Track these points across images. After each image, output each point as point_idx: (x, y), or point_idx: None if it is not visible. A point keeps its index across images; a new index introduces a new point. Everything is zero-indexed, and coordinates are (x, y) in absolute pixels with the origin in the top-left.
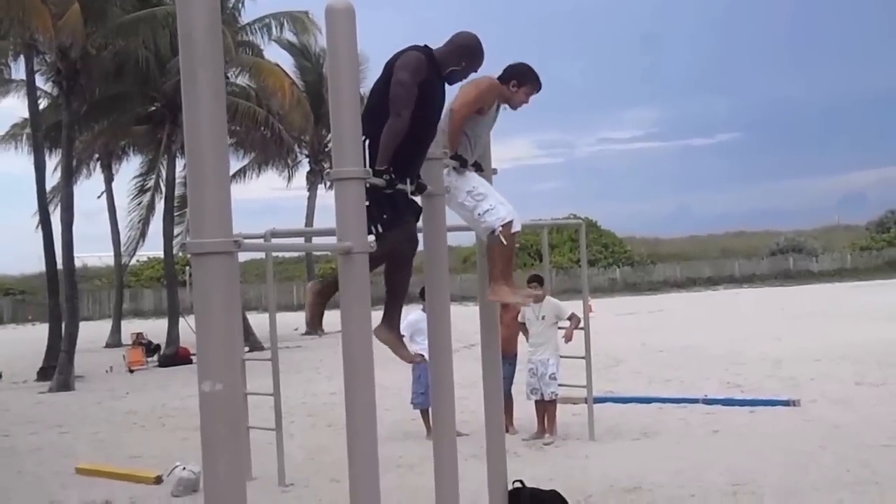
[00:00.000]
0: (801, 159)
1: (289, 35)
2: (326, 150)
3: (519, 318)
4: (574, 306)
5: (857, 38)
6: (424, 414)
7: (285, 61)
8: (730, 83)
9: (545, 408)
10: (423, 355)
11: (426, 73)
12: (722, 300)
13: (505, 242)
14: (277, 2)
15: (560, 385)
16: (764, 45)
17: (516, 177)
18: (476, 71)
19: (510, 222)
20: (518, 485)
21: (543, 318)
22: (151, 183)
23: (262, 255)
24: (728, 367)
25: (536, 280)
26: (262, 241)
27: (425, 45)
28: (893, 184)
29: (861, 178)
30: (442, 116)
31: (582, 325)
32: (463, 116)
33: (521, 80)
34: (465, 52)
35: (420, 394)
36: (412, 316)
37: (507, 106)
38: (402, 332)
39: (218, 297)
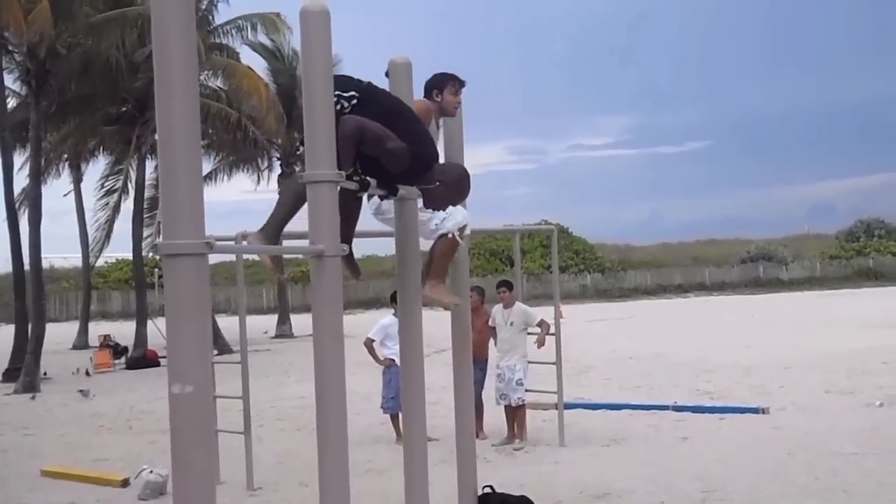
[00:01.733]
0: (771, 168)
1: (261, 37)
2: (298, 152)
3: (490, 324)
4: (545, 312)
5: (828, 49)
6: (394, 419)
7: (258, 64)
8: (701, 92)
9: (514, 413)
10: (393, 360)
11: None
12: (692, 307)
13: (461, 241)
14: (251, 4)
15: (530, 391)
16: (735, 55)
17: (488, 183)
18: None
19: (465, 225)
20: (488, 490)
21: (512, 323)
22: (119, 184)
23: (231, 257)
24: (698, 375)
25: (505, 286)
26: (233, 243)
27: None
28: (862, 194)
29: (830, 188)
30: None
31: (553, 331)
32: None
33: (439, 86)
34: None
35: (390, 398)
36: (384, 320)
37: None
38: (373, 337)
39: (189, 298)
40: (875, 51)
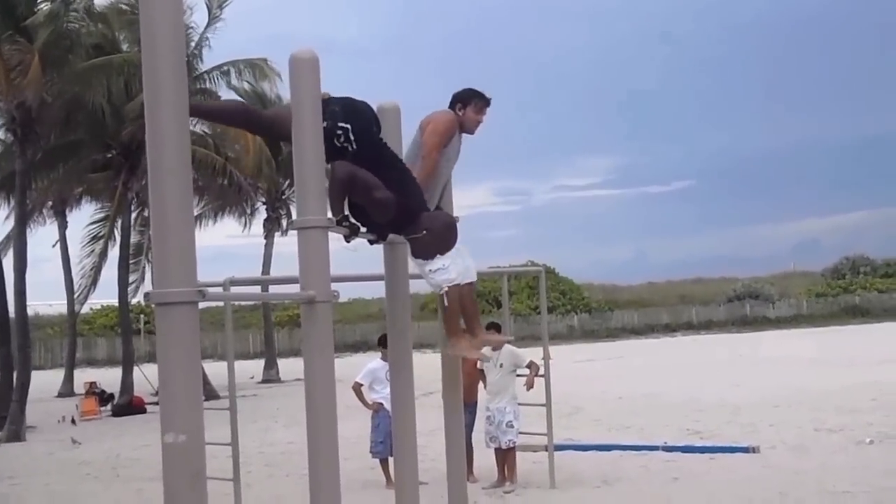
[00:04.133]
0: (755, 206)
1: (246, 84)
2: (283, 197)
3: (478, 366)
4: (533, 353)
5: (811, 88)
6: (384, 463)
7: None
8: (684, 131)
9: (504, 456)
10: (382, 404)
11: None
12: (680, 346)
13: (446, 304)
14: (236, 49)
15: (520, 433)
16: (718, 94)
17: (474, 224)
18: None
19: (456, 285)
20: None
21: (501, 365)
22: (105, 230)
23: (218, 302)
24: (687, 414)
25: (494, 328)
26: (221, 290)
27: None
28: (847, 231)
29: (815, 226)
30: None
31: (542, 372)
32: (435, 160)
33: (465, 100)
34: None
35: (379, 443)
36: (371, 364)
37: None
38: (361, 381)
39: (181, 347)
40: (858, 89)
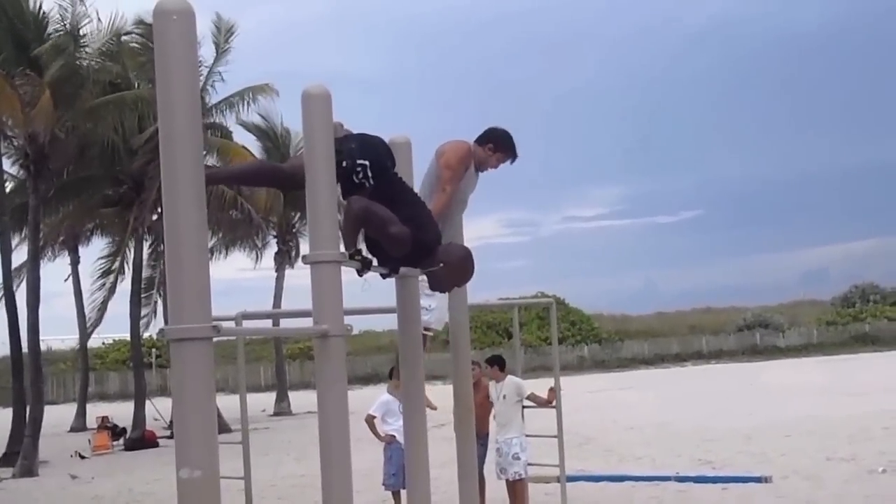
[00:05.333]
0: (763, 235)
1: (254, 116)
2: (294, 230)
3: (490, 398)
4: (543, 384)
5: (818, 115)
6: (396, 496)
7: (251, 143)
8: (692, 160)
9: (513, 487)
10: (394, 436)
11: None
12: (691, 376)
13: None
14: (244, 79)
15: (531, 464)
16: (724, 122)
17: (483, 255)
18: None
19: (426, 330)
20: None
21: (505, 396)
22: (117, 265)
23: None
24: (699, 444)
25: (497, 362)
26: (234, 324)
27: None
28: (856, 259)
29: (823, 254)
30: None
31: (554, 403)
32: (450, 194)
33: (497, 145)
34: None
35: (392, 475)
36: (384, 396)
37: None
38: (374, 413)
39: (196, 382)
40: (865, 117)
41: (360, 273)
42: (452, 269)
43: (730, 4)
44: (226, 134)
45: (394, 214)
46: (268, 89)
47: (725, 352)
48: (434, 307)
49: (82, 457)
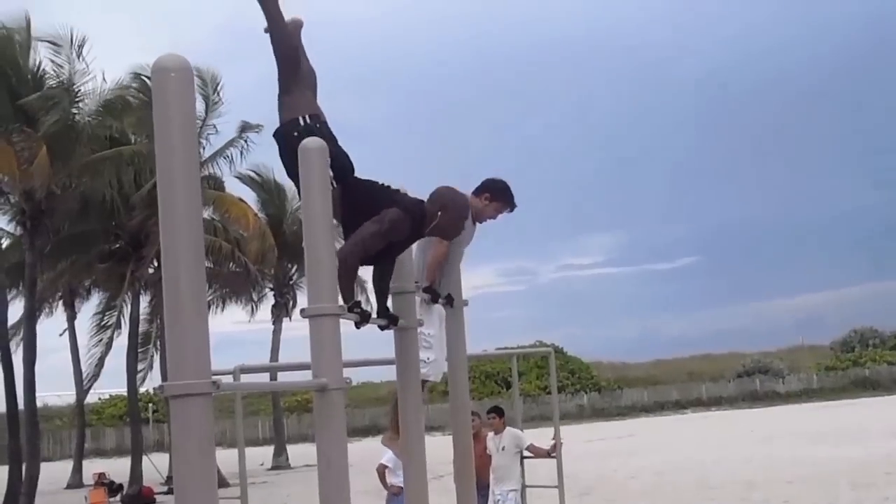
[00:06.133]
0: (760, 281)
1: (249, 165)
2: (291, 282)
3: (488, 451)
4: (542, 434)
5: (812, 159)
6: None
7: (247, 195)
8: (687, 208)
9: None
10: (402, 487)
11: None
12: (691, 423)
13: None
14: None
15: None
16: (718, 168)
17: (480, 305)
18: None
19: (423, 382)
20: None
21: (504, 448)
22: (114, 320)
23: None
24: (700, 491)
25: (495, 412)
26: (232, 378)
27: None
28: (852, 303)
29: (821, 299)
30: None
31: (554, 454)
32: (446, 245)
33: (494, 195)
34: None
35: None
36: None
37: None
38: (386, 464)
39: (196, 438)
40: (859, 159)
41: (359, 325)
42: (451, 207)
43: (722, 48)
44: (218, 185)
45: (369, 223)
46: (257, 128)
47: (725, 398)
48: (432, 359)
49: None
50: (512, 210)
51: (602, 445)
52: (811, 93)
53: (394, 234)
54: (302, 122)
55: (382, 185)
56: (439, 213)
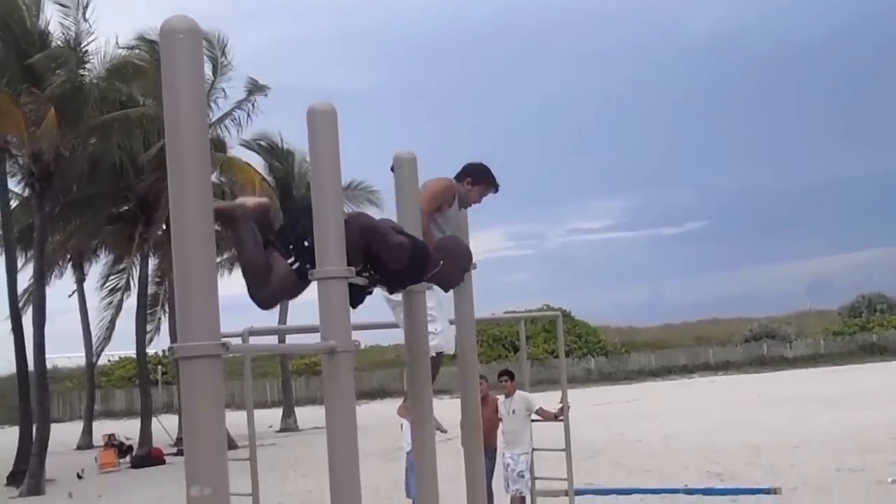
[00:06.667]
0: (768, 246)
1: (255, 129)
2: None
3: (498, 413)
4: (550, 398)
5: (824, 125)
6: None
7: (255, 161)
8: (696, 172)
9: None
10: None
11: None
12: (698, 388)
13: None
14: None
15: (539, 478)
16: (727, 133)
17: (488, 269)
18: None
19: (439, 354)
20: None
21: (514, 411)
22: (123, 282)
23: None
24: (707, 456)
25: (506, 375)
26: (241, 340)
27: None
28: (860, 268)
29: (829, 264)
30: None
31: (562, 417)
32: (427, 230)
33: (476, 178)
34: None
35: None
36: None
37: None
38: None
39: (205, 400)
40: (871, 124)
41: (368, 289)
42: (456, 257)
43: (732, 13)
44: (221, 148)
45: (392, 227)
46: (266, 88)
47: (732, 363)
48: (440, 330)
49: (80, 476)
50: (496, 191)
51: (609, 409)
52: (824, 56)
53: (391, 254)
54: None
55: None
56: (442, 263)
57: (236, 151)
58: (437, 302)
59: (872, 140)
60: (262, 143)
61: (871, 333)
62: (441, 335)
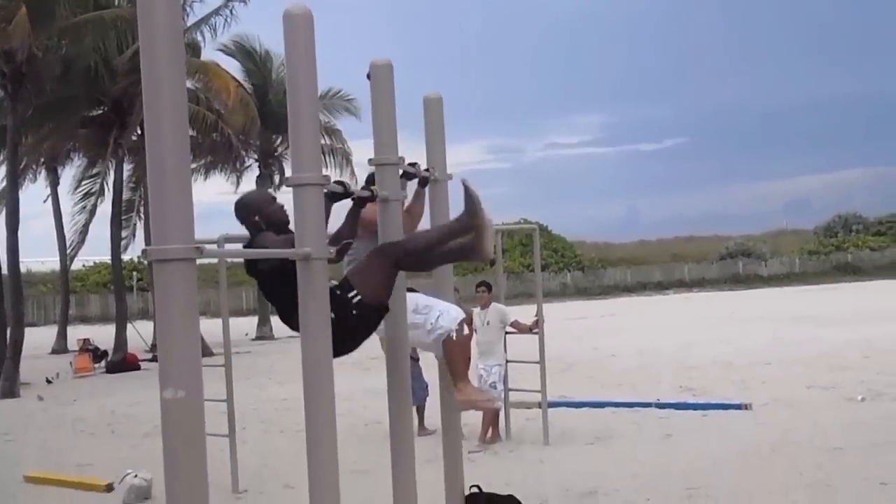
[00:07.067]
0: (747, 164)
1: (232, 35)
2: (276, 154)
3: (473, 326)
4: (526, 311)
5: (804, 43)
6: (420, 410)
7: (233, 67)
8: (675, 88)
9: (489, 415)
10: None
11: None
12: (672, 304)
13: (463, 339)
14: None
15: (513, 390)
16: (710, 50)
17: None
18: None
19: (463, 320)
20: (475, 490)
21: (489, 323)
22: (97, 187)
23: (212, 259)
24: (680, 371)
25: (484, 286)
26: (216, 247)
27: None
28: (838, 189)
29: (807, 183)
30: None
31: (536, 330)
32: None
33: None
34: None
35: (421, 389)
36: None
37: None
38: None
39: (179, 303)
40: (850, 46)
41: (337, 199)
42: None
43: None
44: (196, 53)
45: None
46: None
47: (708, 280)
48: (440, 314)
49: (49, 381)
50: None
51: (584, 324)
52: None
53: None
54: None
55: None
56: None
57: (214, 57)
58: (420, 297)
59: (853, 59)
60: (240, 44)
61: (845, 253)
62: (450, 311)
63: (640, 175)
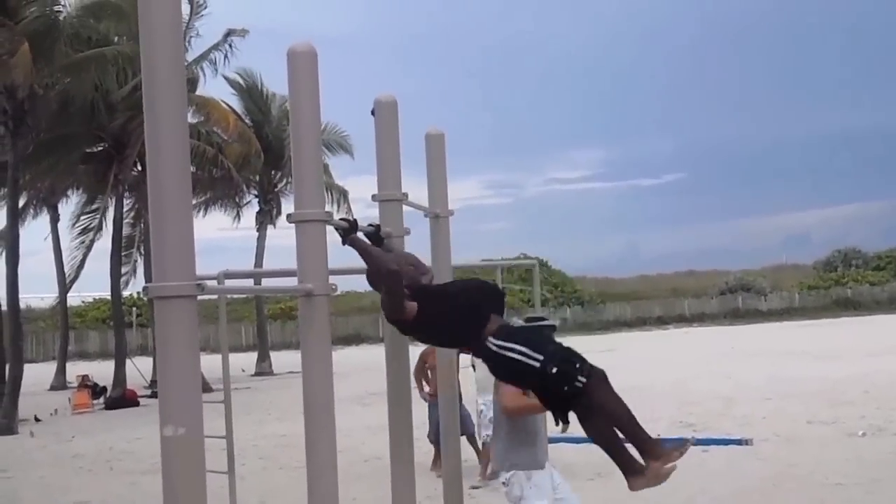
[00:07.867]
0: (746, 199)
1: (233, 70)
2: (276, 189)
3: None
4: None
5: (802, 79)
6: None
7: (230, 98)
8: (674, 124)
9: (485, 449)
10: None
11: None
12: (672, 339)
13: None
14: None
15: None
16: (708, 86)
17: (465, 217)
18: None
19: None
20: None
21: None
22: (95, 223)
23: (212, 296)
24: (680, 407)
25: None
26: (216, 283)
27: None
28: (836, 223)
29: (806, 218)
30: None
31: None
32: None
33: None
34: None
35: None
36: None
37: None
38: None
39: (180, 340)
40: (849, 81)
41: (345, 236)
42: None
43: None
44: (193, 86)
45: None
46: (242, 32)
47: (708, 315)
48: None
49: (37, 419)
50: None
51: None
52: (802, 9)
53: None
54: None
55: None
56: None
57: (211, 90)
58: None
59: (850, 95)
60: (238, 82)
61: (845, 288)
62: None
63: (639, 210)
